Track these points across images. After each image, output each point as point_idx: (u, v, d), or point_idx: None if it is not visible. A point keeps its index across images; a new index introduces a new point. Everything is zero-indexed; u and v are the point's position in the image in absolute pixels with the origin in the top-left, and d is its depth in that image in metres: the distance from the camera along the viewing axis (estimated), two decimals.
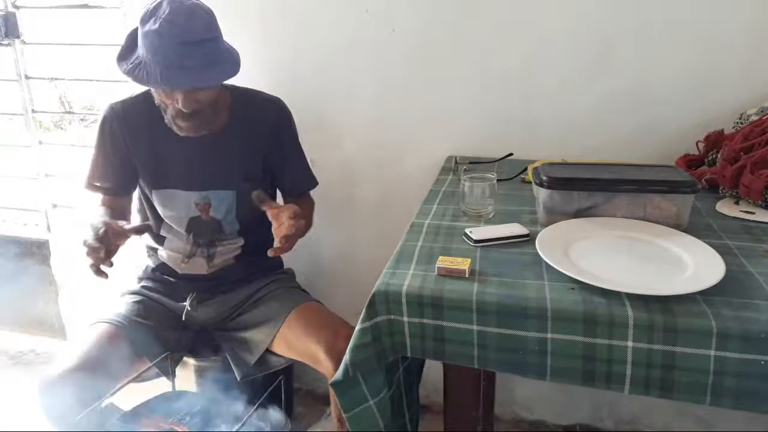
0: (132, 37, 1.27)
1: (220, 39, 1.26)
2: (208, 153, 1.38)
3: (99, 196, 1.45)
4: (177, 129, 1.32)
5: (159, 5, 1.19)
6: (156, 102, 1.31)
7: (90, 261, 1.16)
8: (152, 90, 1.31)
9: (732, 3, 1.36)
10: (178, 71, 1.19)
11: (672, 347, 0.80)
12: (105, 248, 1.15)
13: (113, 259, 1.17)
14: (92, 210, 1.41)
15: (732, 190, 1.22)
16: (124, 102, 1.40)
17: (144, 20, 1.20)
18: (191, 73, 1.19)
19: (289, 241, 1.21)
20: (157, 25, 1.17)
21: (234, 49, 1.33)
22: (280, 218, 1.22)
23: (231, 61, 1.28)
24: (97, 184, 1.43)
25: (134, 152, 1.40)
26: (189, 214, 1.42)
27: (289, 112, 1.48)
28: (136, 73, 1.22)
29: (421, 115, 1.65)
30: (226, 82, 1.29)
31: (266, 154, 1.44)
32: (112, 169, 1.41)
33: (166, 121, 1.32)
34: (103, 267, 1.17)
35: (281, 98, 1.47)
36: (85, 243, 1.16)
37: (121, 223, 1.20)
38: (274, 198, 1.54)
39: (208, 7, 1.25)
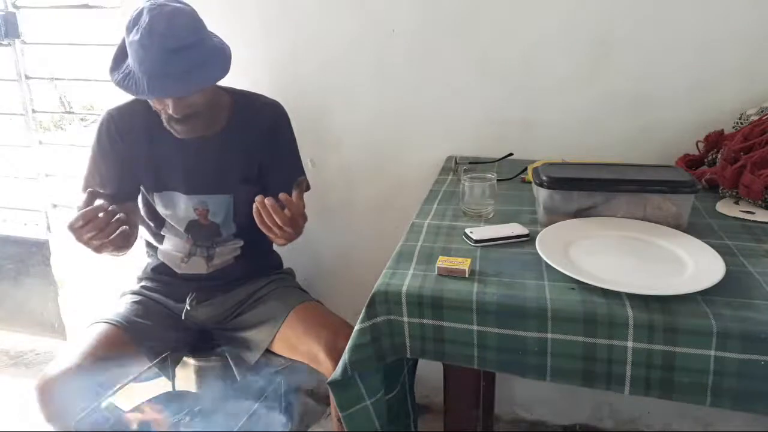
0: (122, 47, 1.25)
1: (205, 40, 1.23)
2: (206, 156, 1.38)
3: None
4: (174, 132, 1.31)
5: (140, 14, 1.18)
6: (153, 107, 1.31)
7: (83, 240, 1.16)
8: None
9: (731, 3, 1.36)
10: (163, 80, 1.17)
11: (672, 347, 0.79)
12: (88, 222, 1.14)
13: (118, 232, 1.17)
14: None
15: (732, 190, 1.22)
16: (120, 108, 1.39)
17: (128, 29, 1.19)
18: (176, 80, 1.18)
19: (293, 224, 1.19)
20: (138, 35, 1.16)
21: (224, 46, 1.29)
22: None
23: (218, 63, 1.25)
24: (98, 191, 1.42)
25: (134, 156, 1.39)
26: (188, 217, 1.42)
27: (287, 115, 1.46)
28: (125, 83, 1.21)
29: (421, 115, 1.64)
30: (226, 84, 1.28)
31: (262, 155, 1.43)
32: (114, 174, 1.39)
33: (163, 124, 1.32)
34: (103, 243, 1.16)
35: (281, 101, 1.46)
36: (70, 227, 1.15)
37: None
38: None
39: (191, 8, 1.23)
